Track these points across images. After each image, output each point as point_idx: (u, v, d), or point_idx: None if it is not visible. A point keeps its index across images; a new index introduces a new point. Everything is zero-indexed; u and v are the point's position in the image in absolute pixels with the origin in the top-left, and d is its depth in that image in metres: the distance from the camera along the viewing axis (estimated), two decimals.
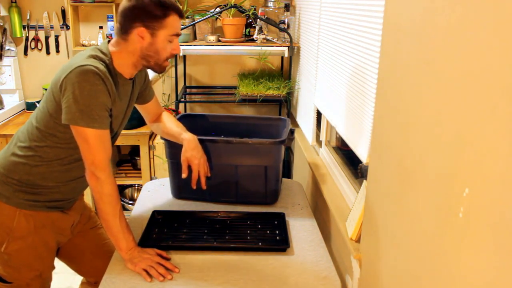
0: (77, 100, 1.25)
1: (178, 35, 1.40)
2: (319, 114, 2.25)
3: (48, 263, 1.52)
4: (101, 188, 1.32)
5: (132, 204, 2.93)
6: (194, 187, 1.59)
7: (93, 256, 1.64)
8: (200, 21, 2.66)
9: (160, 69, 1.45)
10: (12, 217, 1.40)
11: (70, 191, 1.49)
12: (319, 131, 2.28)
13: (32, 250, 1.44)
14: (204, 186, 1.60)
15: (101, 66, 1.30)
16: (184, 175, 1.57)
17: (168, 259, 1.37)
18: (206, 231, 1.54)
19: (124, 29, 1.36)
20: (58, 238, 1.53)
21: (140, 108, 1.67)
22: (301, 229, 1.59)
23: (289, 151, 2.98)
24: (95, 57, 1.33)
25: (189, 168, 1.59)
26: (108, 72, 1.33)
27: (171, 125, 1.67)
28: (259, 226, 1.57)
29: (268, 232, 1.54)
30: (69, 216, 1.52)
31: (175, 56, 2.81)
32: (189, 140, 1.59)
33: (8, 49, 2.97)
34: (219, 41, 2.66)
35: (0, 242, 1.41)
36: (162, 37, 1.36)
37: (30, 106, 2.99)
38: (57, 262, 1.59)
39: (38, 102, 3.00)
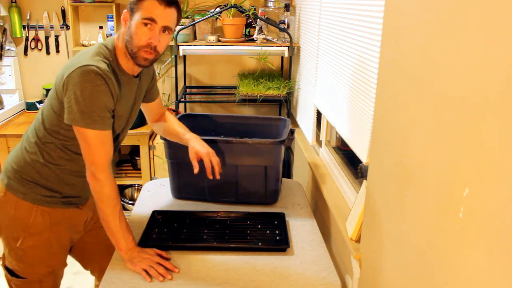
0: (78, 100, 1.25)
1: (151, 19, 1.29)
2: (319, 114, 2.25)
3: (61, 259, 1.55)
4: (100, 189, 1.33)
5: (132, 204, 2.93)
6: (211, 177, 1.54)
7: (101, 255, 1.65)
8: (200, 21, 2.66)
9: (134, 59, 1.34)
10: (29, 213, 1.42)
11: (82, 188, 1.50)
12: (319, 131, 2.28)
13: (47, 246, 1.46)
14: (218, 176, 1.56)
15: (103, 66, 1.28)
16: (195, 170, 1.53)
17: (168, 259, 1.37)
18: (206, 231, 1.54)
19: None
20: (72, 235, 1.55)
21: (143, 106, 1.67)
22: (301, 229, 1.58)
23: (289, 151, 2.98)
24: (99, 54, 1.32)
25: (199, 163, 1.56)
26: (112, 70, 1.33)
27: (176, 125, 1.67)
28: (259, 226, 1.57)
29: (268, 232, 1.54)
30: (83, 212, 1.55)
31: (175, 56, 2.80)
32: (193, 139, 1.59)
33: (8, 49, 2.97)
34: (219, 41, 2.66)
35: (16, 238, 1.43)
36: (136, 19, 1.30)
37: (30, 106, 2.99)
38: None
39: (39, 102, 3.00)
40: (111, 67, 1.34)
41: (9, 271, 1.50)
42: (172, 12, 1.33)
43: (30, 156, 1.41)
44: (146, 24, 1.30)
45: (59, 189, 1.45)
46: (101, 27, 2.95)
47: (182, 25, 2.64)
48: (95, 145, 1.30)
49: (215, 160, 1.56)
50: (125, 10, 1.35)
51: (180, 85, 3.09)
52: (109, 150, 1.35)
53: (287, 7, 2.77)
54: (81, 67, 1.25)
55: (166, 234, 1.52)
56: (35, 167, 1.41)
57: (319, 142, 2.32)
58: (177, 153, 1.71)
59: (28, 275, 1.48)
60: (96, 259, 1.67)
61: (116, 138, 1.47)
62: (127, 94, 1.42)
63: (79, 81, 1.24)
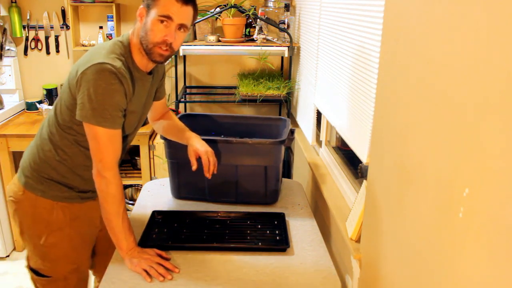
0: (91, 98, 1.25)
1: (168, 17, 1.29)
2: (319, 114, 2.25)
3: (85, 255, 1.57)
4: (106, 188, 1.33)
5: (132, 204, 2.93)
6: (206, 175, 1.57)
7: (108, 256, 1.65)
8: (200, 21, 2.66)
9: (149, 55, 1.35)
10: (50, 210, 1.43)
11: None
12: (319, 131, 2.28)
13: (69, 242, 1.48)
14: (210, 176, 1.59)
15: (119, 64, 1.28)
16: (194, 167, 1.57)
17: (168, 259, 1.38)
18: (206, 231, 1.54)
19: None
20: (91, 230, 1.57)
21: None
22: (301, 229, 1.58)
23: (289, 151, 2.98)
24: (114, 51, 1.32)
25: (198, 161, 1.58)
26: (127, 67, 1.32)
27: (176, 124, 1.69)
28: (259, 226, 1.57)
29: (268, 232, 1.54)
30: (98, 204, 1.54)
31: (175, 57, 2.81)
32: (193, 137, 1.61)
33: (8, 49, 2.97)
34: (219, 41, 2.66)
35: (39, 235, 1.45)
36: (152, 15, 1.30)
37: (30, 106, 2.99)
38: None
39: (39, 102, 3.00)
40: (126, 63, 1.33)
41: (34, 272, 1.51)
42: (188, 10, 1.33)
43: (45, 154, 1.42)
44: (162, 21, 1.30)
45: (75, 185, 1.46)
46: (101, 27, 2.95)
47: None
48: (104, 143, 1.30)
49: (213, 160, 1.58)
50: (141, 6, 1.34)
51: (180, 85, 3.09)
52: (118, 149, 1.35)
53: (287, 7, 2.77)
54: (96, 64, 1.25)
55: (166, 234, 1.52)
56: (51, 164, 1.42)
57: (319, 142, 2.32)
58: (177, 153, 1.71)
59: (53, 273, 1.50)
60: (105, 260, 1.66)
61: (125, 138, 1.47)
62: (140, 91, 1.42)
63: (93, 78, 1.24)
